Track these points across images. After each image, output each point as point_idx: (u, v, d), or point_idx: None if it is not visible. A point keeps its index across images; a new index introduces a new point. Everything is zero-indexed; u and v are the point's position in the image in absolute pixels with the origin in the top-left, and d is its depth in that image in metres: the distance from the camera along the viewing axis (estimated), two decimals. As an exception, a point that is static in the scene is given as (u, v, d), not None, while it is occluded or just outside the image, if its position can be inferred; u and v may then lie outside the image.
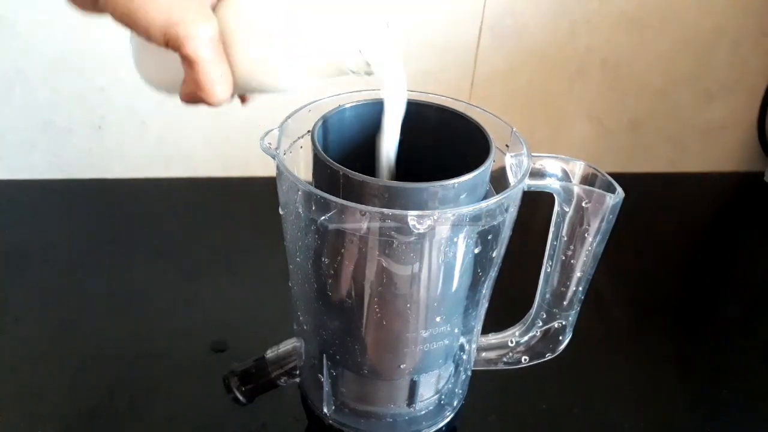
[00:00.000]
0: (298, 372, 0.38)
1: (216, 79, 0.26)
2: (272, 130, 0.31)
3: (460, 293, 0.32)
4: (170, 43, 0.25)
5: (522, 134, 0.32)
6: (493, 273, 0.33)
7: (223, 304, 0.51)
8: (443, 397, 0.37)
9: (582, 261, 0.33)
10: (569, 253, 0.33)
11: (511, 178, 0.32)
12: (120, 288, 0.52)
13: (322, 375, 0.35)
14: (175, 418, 0.41)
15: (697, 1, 0.63)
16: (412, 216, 0.26)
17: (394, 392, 0.35)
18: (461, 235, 0.29)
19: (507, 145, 0.33)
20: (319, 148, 0.29)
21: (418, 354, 0.33)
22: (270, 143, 0.30)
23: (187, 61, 0.25)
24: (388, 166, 0.31)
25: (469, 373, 0.38)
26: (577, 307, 0.36)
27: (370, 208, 0.27)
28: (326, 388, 0.35)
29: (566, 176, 0.32)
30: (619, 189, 0.31)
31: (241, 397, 0.38)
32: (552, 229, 0.34)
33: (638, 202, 0.45)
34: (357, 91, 0.33)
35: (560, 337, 0.37)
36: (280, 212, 0.32)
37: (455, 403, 0.38)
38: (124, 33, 0.58)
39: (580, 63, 0.65)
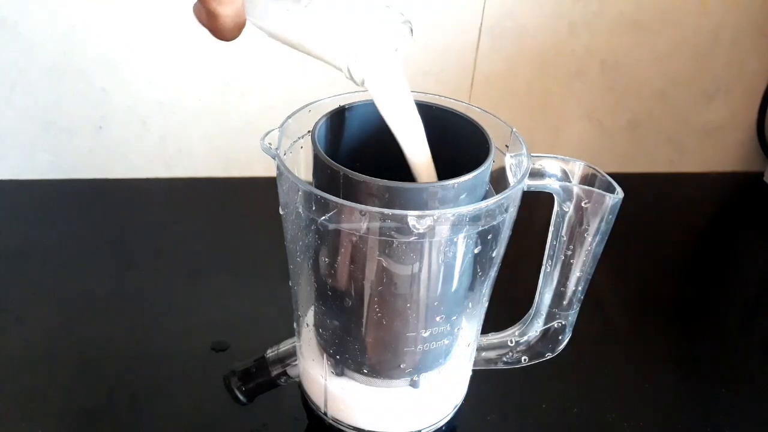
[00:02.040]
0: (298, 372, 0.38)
1: (229, 29, 0.26)
2: (272, 130, 0.31)
3: (460, 293, 0.32)
4: None
5: (522, 134, 0.32)
6: (493, 273, 0.33)
7: (223, 304, 0.51)
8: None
9: (582, 261, 0.33)
10: (569, 253, 0.33)
11: (511, 178, 0.32)
12: (120, 288, 0.52)
13: (323, 375, 0.35)
14: (175, 418, 0.41)
15: (696, 2, 0.63)
16: (412, 216, 0.26)
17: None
18: (461, 235, 0.29)
19: (507, 145, 0.33)
20: (319, 148, 0.29)
21: (419, 354, 0.33)
22: (270, 143, 0.30)
23: (206, 10, 0.25)
24: (426, 171, 0.31)
25: (470, 373, 0.38)
26: (576, 307, 0.36)
27: (370, 208, 0.27)
28: (326, 388, 0.35)
29: (566, 176, 0.32)
30: (618, 189, 0.31)
31: (241, 397, 0.38)
32: (552, 229, 0.34)
33: (638, 202, 0.45)
34: (357, 91, 0.33)
35: (560, 337, 0.37)
36: (280, 212, 0.32)
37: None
38: (124, 34, 0.58)
39: (580, 64, 0.65)
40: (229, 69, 0.61)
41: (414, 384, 0.35)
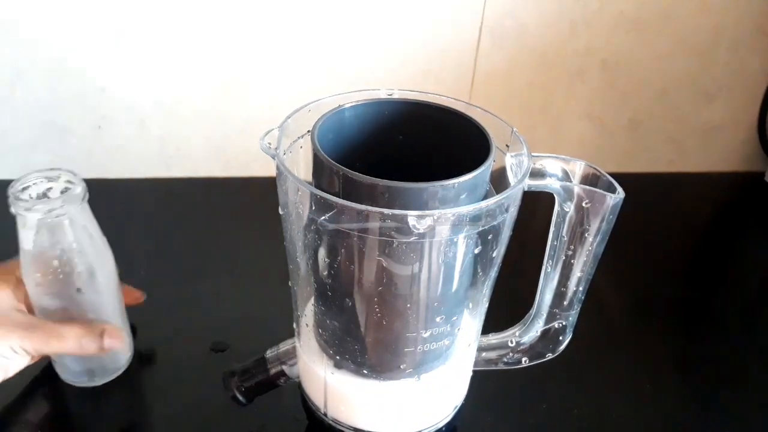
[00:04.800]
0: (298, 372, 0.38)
1: None
2: (272, 130, 0.31)
3: (460, 293, 0.32)
4: None
5: (522, 134, 0.32)
6: (493, 273, 0.33)
7: (223, 304, 0.51)
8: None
9: (582, 261, 0.33)
10: (569, 253, 0.33)
11: (511, 178, 0.32)
12: (120, 288, 0.52)
13: (322, 375, 0.35)
14: (175, 418, 0.41)
15: (697, 2, 0.63)
16: (412, 216, 0.26)
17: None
18: (461, 235, 0.29)
19: (507, 145, 0.33)
20: (319, 148, 0.29)
21: (419, 354, 0.33)
22: (270, 143, 0.30)
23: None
24: None
25: (470, 373, 0.38)
26: (577, 307, 0.36)
27: (370, 208, 0.27)
28: (326, 388, 0.35)
29: (566, 176, 0.32)
30: (619, 189, 0.31)
31: (240, 397, 0.38)
32: (552, 229, 0.34)
33: (638, 202, 0.45)
34: (357, 91, 0.33)
35: (560, 337, 0.37)
36: (280, 212, 0.32)
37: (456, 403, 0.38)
38: (123, 34, 0.58)
39: (580, 63, 0.65)
40: (229, 69, 0.61)
41: (414, 384, 0.35)
